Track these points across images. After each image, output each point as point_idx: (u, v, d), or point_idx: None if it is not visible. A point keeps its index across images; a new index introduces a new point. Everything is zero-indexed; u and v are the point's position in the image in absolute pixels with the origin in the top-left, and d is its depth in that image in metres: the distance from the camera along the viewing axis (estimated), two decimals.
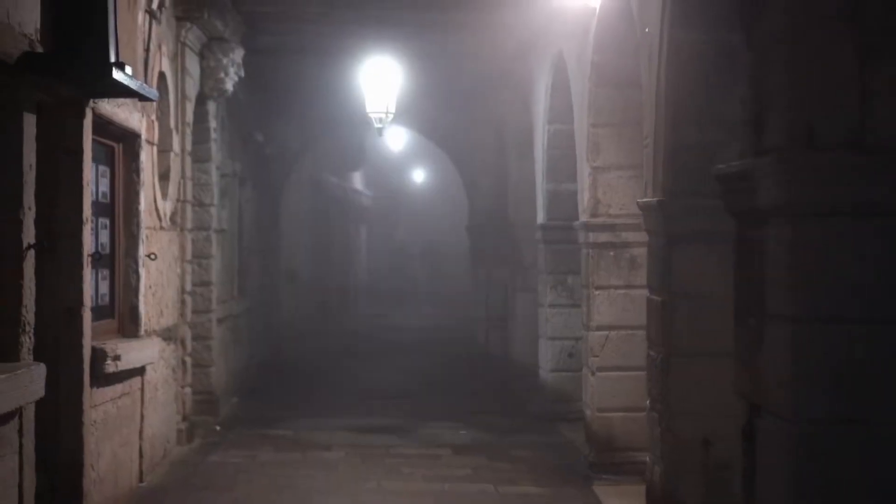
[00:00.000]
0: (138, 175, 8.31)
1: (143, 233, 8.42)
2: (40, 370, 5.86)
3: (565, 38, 10.32)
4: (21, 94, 5.80)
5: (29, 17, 5.92)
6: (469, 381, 14.83)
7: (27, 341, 5.90)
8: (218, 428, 10.97)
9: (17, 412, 5.66)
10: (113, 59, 6.29)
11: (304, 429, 11.07)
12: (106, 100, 7.28)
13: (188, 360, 10.27)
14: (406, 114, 15.46)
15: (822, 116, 3.73)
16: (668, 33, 6.54)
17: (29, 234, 5.90)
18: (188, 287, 10.26)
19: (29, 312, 5.91)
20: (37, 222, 6.01)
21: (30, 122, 5.90)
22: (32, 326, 5.95)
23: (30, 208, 5.91)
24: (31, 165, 5.90)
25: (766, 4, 3.92)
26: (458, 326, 21.43)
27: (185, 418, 10.13)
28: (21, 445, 5.76)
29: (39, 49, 5.99)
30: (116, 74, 6.04)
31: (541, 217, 12.33)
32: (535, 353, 12.66)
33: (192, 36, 10.21)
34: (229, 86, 11.15)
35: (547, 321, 12.09)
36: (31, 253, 5.93)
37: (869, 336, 3.68)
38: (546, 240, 12.07)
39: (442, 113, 16.90)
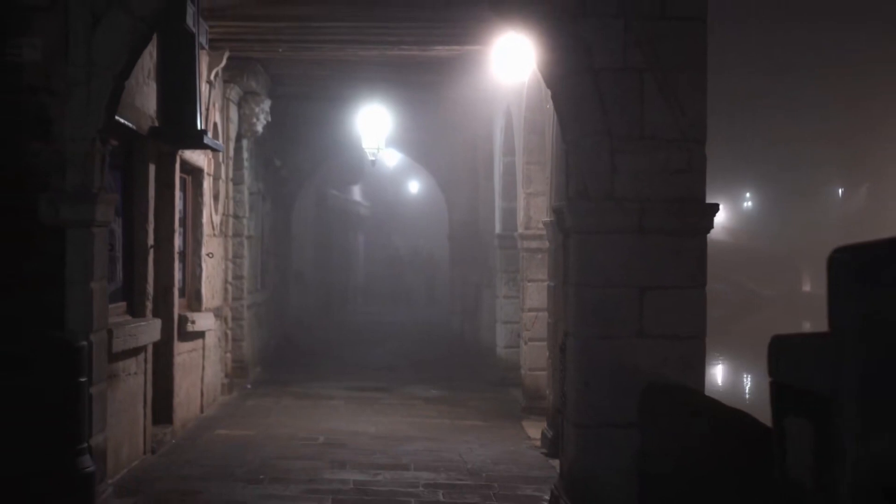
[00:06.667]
0: (202, 198, 11.87)
1: (204, 238, 11.98)
2: (158, 322, 9.49)
3: (510, 96, 13.91)
4: (148, 152, 9.40)
5: (151, 104, 9.51)
6: (444, 359, 18.39)
7: (149, 305, 9.49)
8: (249, 386, 14.52)
9: (145, 347, 9.25)
10: (200, 127, 9.88)
11: (314, 388, 14.62)
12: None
13: (229, 332, 13.84)
14: (397, 140, 19.15)
15: (592, 182, 7.26)
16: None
17: (150, 239, 9.50)
18: (230, 279, 13.82)
19: (150, 287, 9.50)
20: (154, 231, 9.61)
21: (152, 170, 9.50)
22: (152, 296, 9.54)
23: (151, 222, 9.50)
24: (152, 196, 9.50)
25: (566, 125, 7.48)
26: (441, 320, 24.99)
27: (226, 375, 13.68)
28: (146, 370, 9.34)
29: (156, 123, 9.58)
30: (206, 140, 9.63)
31: (497, 228, 15.93)
32: (495, 335, 16.19)
33: (234, 93, 13.78)
34: (259, 128, 14.72)
35: (501, 309, 15.65)
36: (151, 251, 9.52)
37: (609, 293, 7.20)
38: (501, 245, 15.64)
39: (427, 140, 20.30)
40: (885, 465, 3.58)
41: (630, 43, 7.24)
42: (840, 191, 58.11)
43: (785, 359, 4.12)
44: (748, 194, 66.19)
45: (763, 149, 51.56)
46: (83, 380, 6.80)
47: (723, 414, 6.16)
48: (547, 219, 10.52)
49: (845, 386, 3.61)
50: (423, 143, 20.39)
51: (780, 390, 4.16)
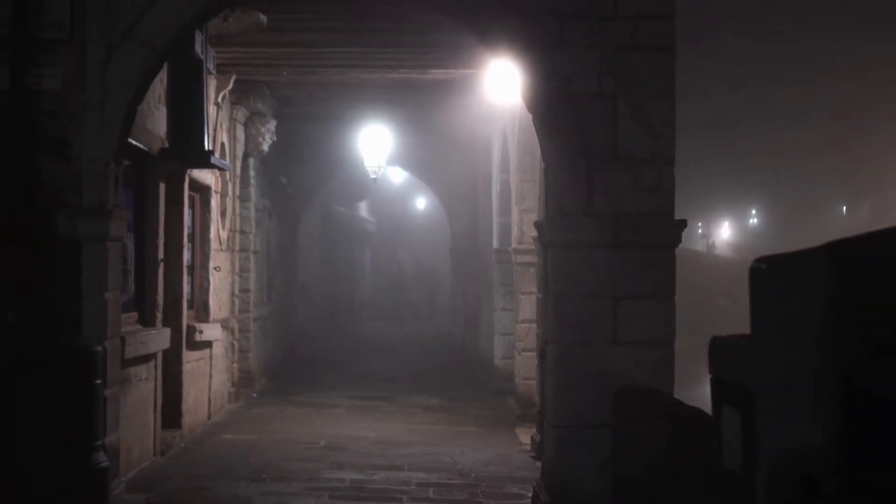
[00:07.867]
0: (209, 214, 12.46)
1: (211, 253, 12.56)
2: (167, 331, 10.06)
3: (505, 117, 14.50)
4: (158, 171, 10.00)
5: (161, 126, 10.11)
6: (444, 369, 18.96)
7: (159, 316, 10.07)
8: (254, 395, 15.08)
9: (156, 354, 9.82)
10: (207, 148, 10.47)
11: (318, 397, 15.19)
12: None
13: (235, 344, 14.41)
14: (401, 158, 19.76)
15: (569, 199, 7.83)
16: None
17: (160, 253, 10.09)
18: (236, 292, 14.40)
19: (160, 298, 10.08)
20: (164, 245, 10.20)
21: (162, 188, 10.10)
22: (162, 307, 10.12)
23: (161, 237, 10.09)
24: (162, 213, 10.09)
25: (545, 146, 8.06)
26: (442, 332, 25.59)
27: (233, 385, 14.25)
28: (156, 376, 9.91)
29: (166, 144, 10.17)
30: (213, 160, 10.22)
31: (495, 243, 16.49)
32: (493, 346, 16.72)
33: (241, 114, 14.39)
34: (265, 147, 15.32)
35: (498, 321, 16.20)
36: (161, 264, 10.11)
37: (586, 303, 7.75)
38: (498, 260, 16.20)
39: (428, 158, 20.87)
40: (800, 454, 4.12)
41: (605, 71, 7.81)
42: (844, 208, 58.73)
43: (721, 357, 4.68)
44: (753, 211, 66.77)
45: (766, 165, 52.11)
46: (98, 382, 7.36)
47: (685, 414, 6.69)
48: (535, 234, 11.06)
49: (763, 381, 4.16)
50: (425, 160, 20.97)
51: (719, 386, 4.71)
